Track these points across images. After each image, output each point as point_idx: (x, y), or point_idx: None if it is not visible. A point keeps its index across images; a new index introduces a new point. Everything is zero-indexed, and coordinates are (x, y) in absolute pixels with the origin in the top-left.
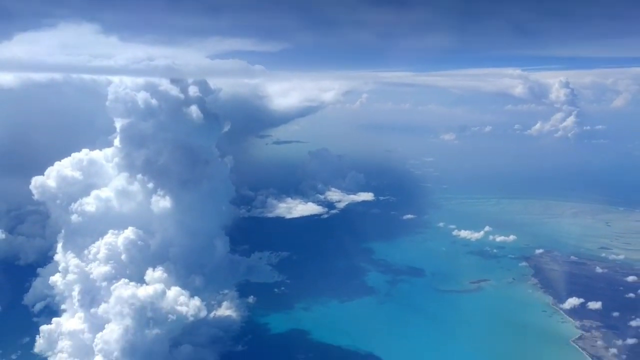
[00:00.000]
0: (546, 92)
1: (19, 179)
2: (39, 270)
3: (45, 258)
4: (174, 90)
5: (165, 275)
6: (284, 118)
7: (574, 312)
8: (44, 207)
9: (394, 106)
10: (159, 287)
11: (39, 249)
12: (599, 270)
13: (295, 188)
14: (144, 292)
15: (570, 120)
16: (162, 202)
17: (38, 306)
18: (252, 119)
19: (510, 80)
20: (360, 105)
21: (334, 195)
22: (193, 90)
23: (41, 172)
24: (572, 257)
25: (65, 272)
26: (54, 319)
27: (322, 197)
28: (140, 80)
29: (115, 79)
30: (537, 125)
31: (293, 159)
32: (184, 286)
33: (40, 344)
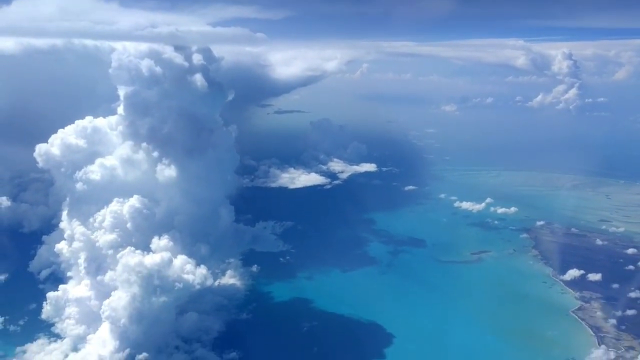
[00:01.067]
0: (548, 64)
1: (22, 146)
2: (44, 237)
3: (49, 226)
4: (178, 58)
5: (171, 243)
6: (286, 87)
7: (573, 284)
8: (47, 175)
9: (394, 76)
10: (166, 255)
11: (42, 216)
12: (599, 242)
13: (297, 158)
14: (151, 260)
15: (572, 92)
16: (167, 171)
17: (44, 273)
18: (253, 88)
19: (513, 51)
20: (360, 75)
21: (336, 165)
22: (197, 58)
23: (44, 139)
24: (572, 229)
25: (71, 239)
26: (61, 286)
27: (324, 167)
28: (144, 47)
29: (119, 45)
30: (539, 97)
31: (294, 128)
32: (189, 254)
33: (47, 310)
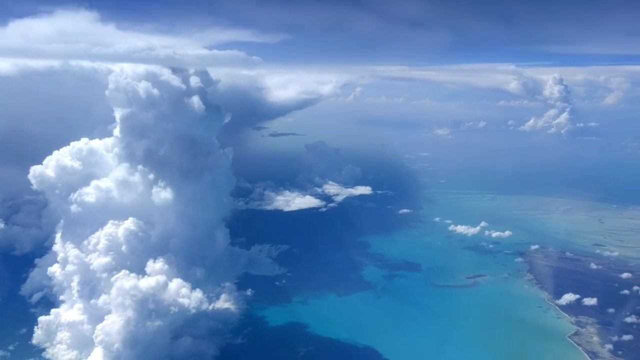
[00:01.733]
0: (540, 89)
1: (16, 168)
2: (36, 260)
3: (41, 248)
4: (176, 80)
5: (166, 266)
6: (282, 110)
7: (569, 308)
8: (41, 197)
9: (387, 100)
10: (161, 278)
11: (35, 239)
12: (593, 266)
13: (292, 181)
14: (146, 283)
15: (564, 116)
16: (163, 193)
17: (35, 297)
18: (249, 110)
19: (504, 75)
20: (354, 99)
21: (331, 188)
22: (194, 81)
23: (39, 161)
24: (567, 253)
25: (64, 262)
26: (53, 310)
27: (319, 190)
28: (141, 69)
29: (116, 67)
30: (531, 122)
31: (289, 151)
32: (185, 278)
33: (38, 335)
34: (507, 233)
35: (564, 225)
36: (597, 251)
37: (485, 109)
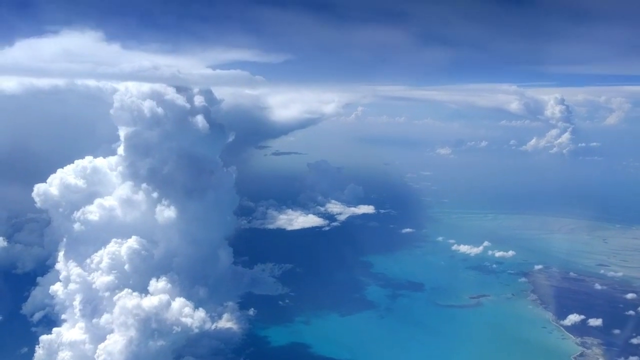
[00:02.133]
0: (541, 109)
1: (21, 186)
2: (38, 279)
3: (43, 267)
4: (180, 100)
5: (169, 285)
6: (284, 129)
7: (574, 329)
8: (44, 215)
9: (389, 119)
10: (164, 297)
11: (36, 257)
12: (598, 287)
13: (294, 199)
14: (149, 302)
15: (566, 136)
16: (167, 212)
17: (37, 316)
18: (252, 129)
19: (506, 95)
20: (355, 118)
21: (334, 207)
22: (199, 100)
23: (43, 179)
24: (570, 273)
25: (67, 281)
26: (54, 329)
27: (322, 209)
28: (146, 88)
29: (121, 86)
30: (533, 141)
31: (292, 170)
32: (187, 297)
33: (39, 354)
34: (511, 253)
35: (568, 245)
36: (602, 271)
37: (487, 129)
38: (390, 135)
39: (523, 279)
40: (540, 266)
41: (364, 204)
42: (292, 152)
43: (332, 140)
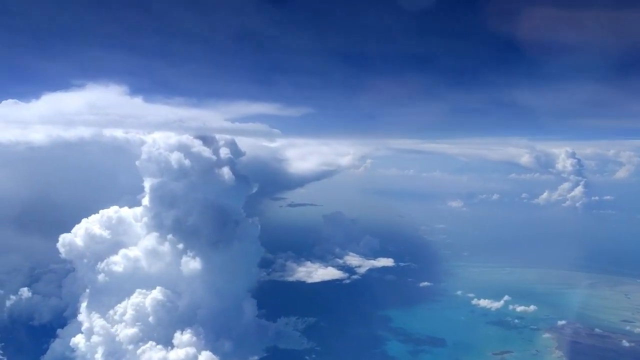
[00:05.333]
0: (552, 162)
1: (45, 236)
2: (58, 331)
3: (60, 318)
4: (207, 152)
5: (194, 338)
6: (301, 181)
7: None
8: (65, 266)
9: (398, 172)
10: (191, 351)
11: (54, 308)
12: (625, 344)
13: (311, 251)
14: (175, 355)
15: (578, 190)
16: (192, 263)
17: None
18: (269, 181)
19: (517, 149)
20: (364, 171)
21: (353, 259)
22: (224, 152)
23: (67, 229)
24: (595, 329)
25: (89, 333)
26: None
27: (340, 261)
28: (174, 140)
29: (149, 139)
30: (545, 195)
31: (307, 222)
32: (213, 350)
33: None
34: (532, 307)
35: (590, 300)
36: (627, 327)
37: (497, 182)
38: (400, 187)
39: (547, 335)
40: (563, 322)
41: (381, 256)
42: (307, 204)
43: (345, 192)
